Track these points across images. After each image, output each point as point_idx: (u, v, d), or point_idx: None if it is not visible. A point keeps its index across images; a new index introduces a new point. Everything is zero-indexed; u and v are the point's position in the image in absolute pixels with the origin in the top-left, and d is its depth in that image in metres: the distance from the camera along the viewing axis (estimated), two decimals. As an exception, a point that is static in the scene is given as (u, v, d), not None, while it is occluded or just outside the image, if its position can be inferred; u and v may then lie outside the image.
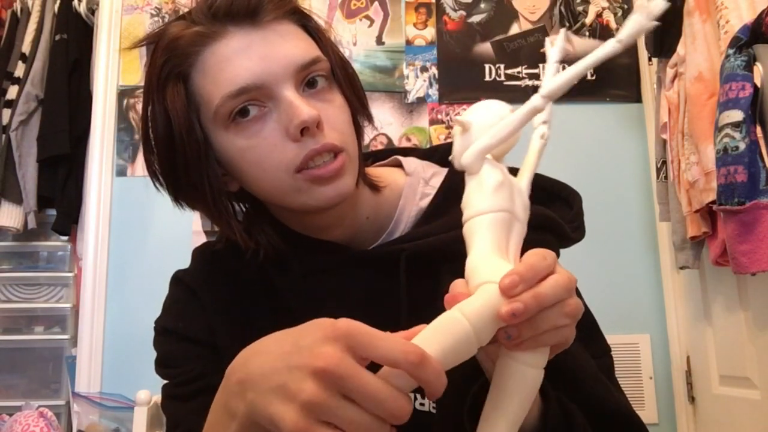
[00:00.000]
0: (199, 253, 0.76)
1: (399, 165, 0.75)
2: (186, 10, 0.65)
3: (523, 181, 0.52)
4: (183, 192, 0.66)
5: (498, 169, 0.50)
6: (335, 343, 0.40)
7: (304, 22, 0.65)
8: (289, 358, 0.42)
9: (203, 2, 0.62)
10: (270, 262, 0.68)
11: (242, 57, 0.59)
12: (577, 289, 0.69)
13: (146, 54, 2.33)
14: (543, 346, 0.45)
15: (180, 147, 0.62)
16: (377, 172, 0.72)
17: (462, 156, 0.50)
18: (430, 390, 0.40)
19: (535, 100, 0.48)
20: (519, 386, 0.45)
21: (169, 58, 0.62)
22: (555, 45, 0.54)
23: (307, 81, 0.62)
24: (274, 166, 0.60)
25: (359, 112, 0.68)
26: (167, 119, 0.61)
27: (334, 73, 0.65)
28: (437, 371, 0.40)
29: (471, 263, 0.46)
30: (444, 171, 0.72)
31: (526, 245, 0.65)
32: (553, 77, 0.49)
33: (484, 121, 0.51)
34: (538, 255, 0.45)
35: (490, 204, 0.48)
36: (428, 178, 0.72)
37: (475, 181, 0.50)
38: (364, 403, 0.40)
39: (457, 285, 0.46)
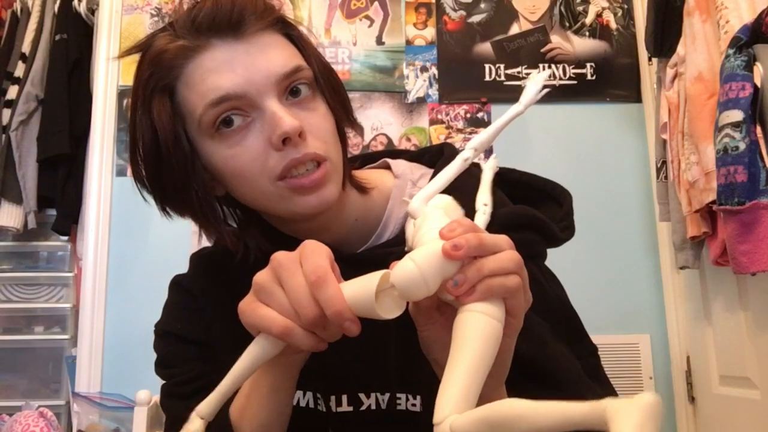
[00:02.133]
0: (196, 257, 0.78)
1: (388, 167, 0.76)
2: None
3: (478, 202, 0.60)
4: (170, 200, 0.67)
5: (442, 214, 0.54)
6: (298, 249, 0.50)
7: (287, 31, 0.66)
8: None
9: (186, 15, 0.62)
10: (262, 265, 0.68)
11: (225, 68, 0.60)
12: (562, 290, 0.70)
13: (146, 54, 2.33)
14: (494, 296, 0.45)
15: (166, 157, 0.62)
16: (364, 174, 0.73)
17: (408, 208, 0.56)
18: (327, 313, 0.46)
19: (465, 153, 0.60)
20: (475, 332, 0.44)
21: (154, 71, 0.63)
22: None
23: (290, 90, 0.62)
24: (256, 174, 0.61)
25: (343, 120, 0.68)
26: (153, 131, 0.62)
27: (318, 81, 0.65)
28: (329, 296, 0.46)
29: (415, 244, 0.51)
30: (431, 171, 0.72)
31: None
32: (479, 135, 0.62)
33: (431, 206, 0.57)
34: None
35: (438, 226, 0.49)
36: (416, 179, 0.72)
37: (419, 220, 0.54)
38: (287, 290, 0.48)
39: None
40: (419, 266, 0.44)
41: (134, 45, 0.67)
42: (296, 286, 0.47)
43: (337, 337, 0.49)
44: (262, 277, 0.50)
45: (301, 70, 0.62)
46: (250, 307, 0.50)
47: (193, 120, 0.62)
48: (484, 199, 0.61)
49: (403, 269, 0.45)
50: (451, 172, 0.59)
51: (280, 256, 0.49)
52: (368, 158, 0.79)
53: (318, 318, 0.46)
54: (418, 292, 0.44)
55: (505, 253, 0.46)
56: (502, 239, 0.47)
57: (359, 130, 0.71)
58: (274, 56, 0.61)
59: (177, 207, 0.67)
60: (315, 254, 0.48)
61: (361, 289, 0.46)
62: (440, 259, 0.44)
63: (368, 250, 0.69)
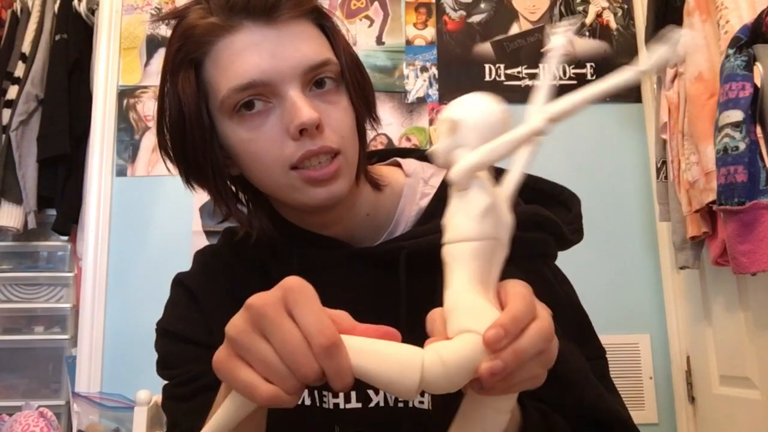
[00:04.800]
0: (199, 255, 0.78)
1: (398, 166, 0.76)
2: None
3: (507, 191, 0.49)
4: (192, 172, 0.67)
5: (486, 191, 0.46)
6: (276, 291, 0.42)
7: (322, 21, 0.66)
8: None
9: None
10: (269, 255, 0.69)
11: (253, 53, 0.60)
12: (572, 290, 0.70)
13: (146, 54, 2.33)
14: (513, 393, 0.45)
15: (189, 130, 0.63)
16: (379, 170, 0.73)
17: (451, 171, 0.46)
18: (330, 381, 0.40)
19: (537, 121, 0.45)
20: (481, 429, 0.45)
21: (183, 45, 0.63)
22: (555, 46, 0.50)
23: (315, 81, 0.62)
24: (271, 160, 0.62)
25: (364, 115, 0.68)
26: (179, 103, 0.63)
27: (344, 75, 0.65)
28: (341, 368, 0.40)
29: (451, 299, 0.44)
30: (443, 171, 0.72)
31: (524, 244, 0.65)
32: (562, 99, 0.46)
33: (474, 122, 0.47)
34: (522, 299, 0.44)
35: (476, 231, 0.45)
36: (427, 177, 0.72)
37: (462, 200, 0.46)
38: (277, 346, 0.40)
39: (435, 318, 0.45)
40: (448, 371, 0.40)
41: (169, 12, 0.67)
42: (290, 340, 0.40)
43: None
44: (238, 326, 0.42)
45: (328, 64, 0.63)
46: (227, 366, 0.42)
47: (216, 99, 0.62)
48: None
49: (431, 372, 0.40)
50: (513, 143, 0.45)
51: (258, 301, 0.41)
52: (379, 155, 0.80)
53: (320, 378, 0.40)
54: (440, 390, 0.41)
55: (540, 358, 0.43)
56: (544, 339, 0.43)
57: (379, 126, 0.71)
58: (304, 47, 0.62)
59: (197, 179, 0.68)
60: (309, 302, 0.41)
61: (377, 371, 0.41)
62: (473, 369, 0.41)
63: (380, 244, 0.69)
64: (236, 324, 0.42)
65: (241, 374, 0.41)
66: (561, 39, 0.49)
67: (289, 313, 0.41)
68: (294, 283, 0.42)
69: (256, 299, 0.42)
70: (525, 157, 0.49)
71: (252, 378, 0.41)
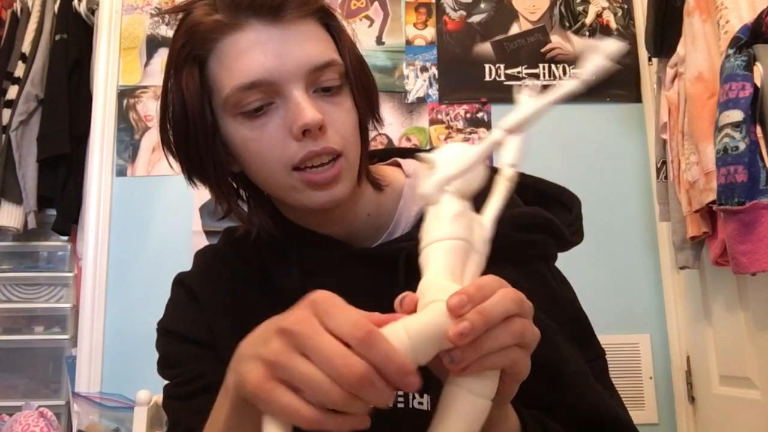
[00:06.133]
0: (200, 255, 0.78)
1: (398, 166, 0.76)
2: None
3: (486, 218, 0.51)
4: (194, 169, 0.67)
5: (457, 201, 0.50)
6: (305, 308, 0.42)
7: (328, 21, 0.66)
8: (270, 326, 0.44)
9: None
10: (269, 254, 0.70)
11: (258, 51, 0.60)
12: (572, 292, 0.70)
13: (146, 54, 2.33)
14: (489, 370, 0.43)
15: (192, 126, 0.63)
16: (380, 171, 0.73)
17: (421, 187, 0.51)
18: (386, 375, 0.39)
19: (495, 133, 0.50)
20: (462, 415, 0.43)
21: (188, 41, 0.63)
22: (524, 101, 0.52)
23: (318, 82, 0.62)
24: (273, 160, 0.62)
25: (367, 116, 0.68)
26: (183, 100, 0.63)
27: (348, 76, 0.65)
28: (386, 353, 0.39)
29: (422, 286, 0.45)
30: None
31: (524, 245, 0.65)
32: (516, 112, 0.51)
33: (448, 158, 0.52)
34: (489, 278, 0.44)
35: (446, 232, 0.48)
36: None
37: (434, 210, 0.50)
38: (317, 360, 0.40)
39: (408, 300, 0.45)
40: (411, 341, 0.41)
41: (174, 6, 0.67)
42: (328, 346, 0.40)
43: (382, 402, 0.41)
44: (271, 349, 0.42)
45: (333, 65, 0.63)
46: (265, 390, 0.41)
47: (219, 97, 0.62)
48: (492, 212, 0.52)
49: (394, 342, 0.40)
50: (476, 154, 0.50)
51: (291, 322, 0.41)
52: (380, 155, 0.80)
53: (366, 376, 0.39)
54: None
55: (509, 326, 0.43)
56: (511, 300, 0.43)
57: (382, 126, 0.71)
58: (309, 47, 0.61)
59: (199, 176, 0.68)
60: (336, 308, 0.41)
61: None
62: (439, 337, 0.41)
63: (380, 245, 0.70)
64: (273, 347, 0.42)
65: (282, 398, 0.41)
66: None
67: (324, 325, 0.41)
68: (318, 296, 0.42)
69: (288, 321, 0.42)
70: (503, 189, 0.52)
71: (293, 402, 0.40)
